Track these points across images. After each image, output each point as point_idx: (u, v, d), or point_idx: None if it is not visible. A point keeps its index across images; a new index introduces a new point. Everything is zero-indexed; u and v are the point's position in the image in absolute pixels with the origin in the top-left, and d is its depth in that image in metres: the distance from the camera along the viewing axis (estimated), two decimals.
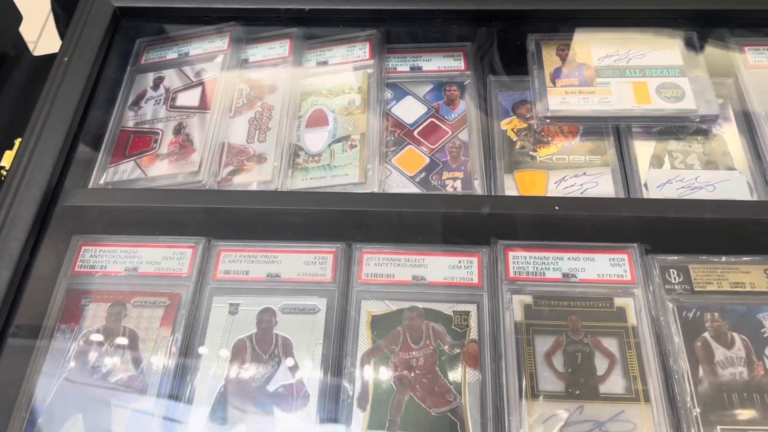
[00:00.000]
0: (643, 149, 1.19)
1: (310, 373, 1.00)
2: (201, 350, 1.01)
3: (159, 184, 1.16)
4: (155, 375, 1.00)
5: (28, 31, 1.54)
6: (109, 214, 1.12)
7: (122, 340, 1.03)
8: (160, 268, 1.10)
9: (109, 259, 1.12)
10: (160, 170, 1.18)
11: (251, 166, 1.18)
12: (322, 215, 1.12)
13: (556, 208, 1.06)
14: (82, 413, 0.97)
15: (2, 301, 1.00)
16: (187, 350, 1.02)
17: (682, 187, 1.14)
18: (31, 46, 1.53)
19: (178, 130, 1.23)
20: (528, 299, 1.05)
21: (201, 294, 1.07)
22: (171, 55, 1.38)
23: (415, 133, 1.24)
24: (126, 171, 1.20)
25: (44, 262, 1.09)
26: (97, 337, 1.03)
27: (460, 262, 1.09)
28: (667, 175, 1.16)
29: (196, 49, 1.37)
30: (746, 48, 1.31)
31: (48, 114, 1.13)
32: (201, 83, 1.30)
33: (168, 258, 1.11)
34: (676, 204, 1.09)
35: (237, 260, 1.11)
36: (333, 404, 0.97)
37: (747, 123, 1.22)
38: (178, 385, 0.98)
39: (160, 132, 1.24)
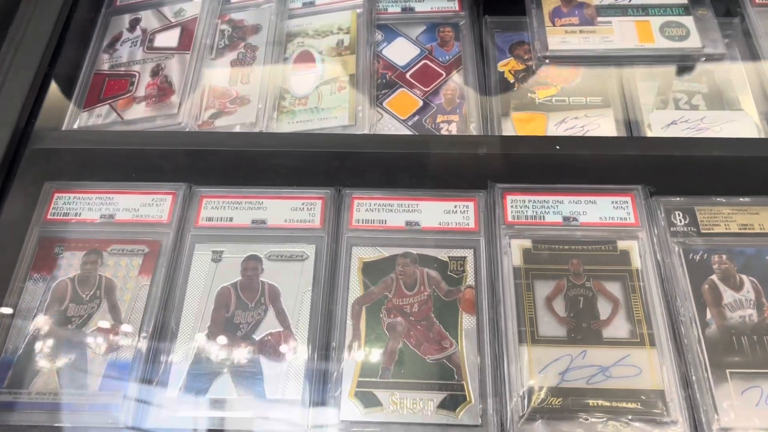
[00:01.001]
0: (646, 90, 1.13)
1: (299, 320, 0.95)
2: (182, 298, 0.96)
3: (136, 128, 1.10)
4: (134, 324, 0.95)
5: None
6: (83, 158, 1.06)
7: (98, 290, 0.98)
8: (138, 215, 1.04)
9: (84, 206, 1.05)
10: (137, 113, 1.11)
11: (234, 109, 1.11)
12: (309, 158, 1.06)
13: (557, 147, 1.00)
14: (56, 364, 0.92)
15: None
16: (168, 299, 0.96)
17: (688, 128, 1.09)
18: None
19: (156, 72, 1.15)
20: (527, 243, 1.00)
21: (182, 242, 1.01)
22: None
23: (408, 75, 1.18)
24: (101, 115, 1.12)
25: (13, 209, 1.02)
26: (72, 287, 0.98)
27: (455, 207, 1.04)
28: (671, 116, 1.11)
29: None
30: None
31: (16, 51, 1.06)
32: (180, 24, 1.22)
33: (147, 205, 1.05)
34: (681, 142, 1.04)
35: (220, 207, 1.05)
36: (323, 352, 0.92)
37: (754, 63, 1.17)
38: (158, 335, 0.94)
39: (137, 74, 1.16)
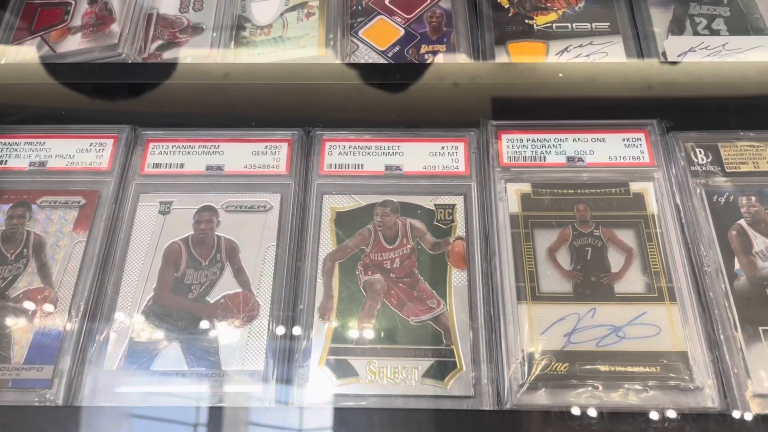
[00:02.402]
0: (660, 13, 1.00)
1: (261, 279, 0.82)
2: (124, 256, 0.82)
3: (71, 61, 0.96)
4: (67, 287, 0.81)
5: None
6: (10, 98, 0.92)
7: (26, 248, 0.85)
8: (73, 162, 0.90)
9: (11, 153, 0.90)
10: (72, 45, 0.96)
11: (185, 39, 0.97)
12: (273, 95, 0.92)
13: (560, 75, 0.87)
14: None
15: None
16: (107, 256, 0.83)
17: (708, 56, 0.96)
18: None
19: None
20: (526, 188, 0.87)
21: (124, 191, 0.88)
22: None
23: (387, 1, 1.04)
24: (31, 50, 0.99)
25: None
26: None
27: (443, 148, 0.90)
28: (689, 42, 0.97)
29: None
30: None
31: None
32: None
33: (84, 150, 0.90)
34: (701, 68, 0.91)
35: (169, 151, 0.91)
36: (289, 314, 0.79)
37: None
38: (95, 299, 0.80)
39: (73, 2, 1.02)
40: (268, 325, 0.78)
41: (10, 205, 0.86)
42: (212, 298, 0.81)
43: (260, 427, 0.69)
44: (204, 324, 0.78)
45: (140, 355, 0.77)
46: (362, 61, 0.96)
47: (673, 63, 0.93)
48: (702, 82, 0.89)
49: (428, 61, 0.96)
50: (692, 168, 0.85)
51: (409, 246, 0.84)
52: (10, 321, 0.78)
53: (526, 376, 0.73)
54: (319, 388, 0.74)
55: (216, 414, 0.71)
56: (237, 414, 0.70)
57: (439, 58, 0.96)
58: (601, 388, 0.72)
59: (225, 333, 0.78)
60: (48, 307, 0.79)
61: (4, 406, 0.73)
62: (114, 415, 0.70)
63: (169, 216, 0.87)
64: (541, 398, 0.72)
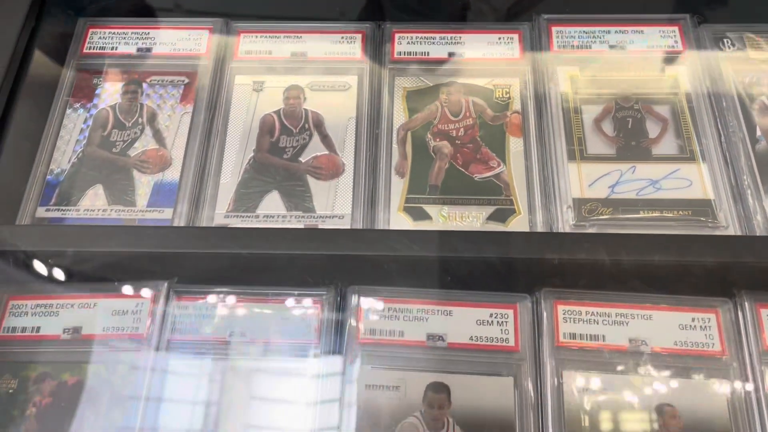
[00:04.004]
0: None
1: (344, 145, 0.95)
2: (226, 124, 0.94)
3: None
4: (179, 148, 0.94)
5: None
6: None
7: (140, 117, 0.97)
8: (175, 48, 1.02)
9: (120, 41, 1.03)
10: None
11: None
12: None
13: None
14: (102, 183, 0.91)
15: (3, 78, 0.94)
16: (211, 125, 0.95)
17: None
18: None
19: None
20: (574, 70, 0.98)
21: (222, 73, 1.00)
22: None
23: None
24: None
25: (48, 43, 1.01)
26: (113, 114, 0.96)
27: (499, 39, 1.02)
28: None
29: None
30: None
31: None
32: None
33: (184, 39, 1.03)
34: None
35: (258, 41, 1.03)
36: (370, 173, 0.92)
37: None
38: (204, 158, 0.93)
39: None
40: (353, 179, 0.92)
41: (124, 82, 1.00)
42: (304, 158, 0.94)
43: (348, 243, 0.82)
44: (299, 177, 0.92)
45: (246, 200, 0.90)
46: None
47: None
48: None
49: None
50: (721, 54, 0.97)
51: (471, 119, 0.96)
52: (133, 174, 0.92)
53: (575, 218, 0.86)
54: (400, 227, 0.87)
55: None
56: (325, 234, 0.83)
57: None
58: (640, 225, 0.85)
59: (317, 185, 0.91)
60: (164, 163, 0.93)
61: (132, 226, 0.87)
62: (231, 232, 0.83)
63: (262, 93, 0.99)
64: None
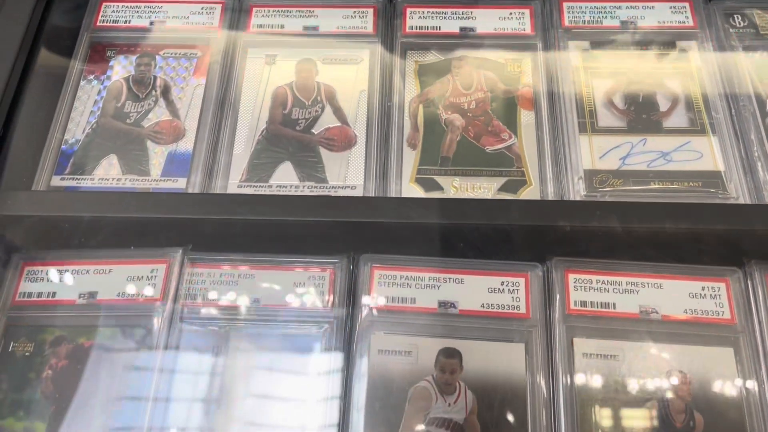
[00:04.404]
0: None
1: (356, 117, 0.95)
2: (239, 97, 0.95)
3: None
4: (192, 119, 0.95)
5: None
6: None
7: (154, 89, 0.98)
8: (188, 22, 1.02)
9: (132, 14, 1.04)
10: None
11: None
12: None
13: None
14: (116, 153, 0.92)
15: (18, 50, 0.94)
16: (224, 97, 0.96)
17: None
18: None
19: None
20: (585, 45, 0.99)
21: (234, 46, 1.01)
22: None
23: None
24: None
25: (60, 18, 1.02)
26: (127, 86, 0.97)
27: (511, 14, 1.02)
28: None
29: None
30: None
31: None
32: None
33: (196, 13, 1.03)
34: None
35: (270, 15, 1.04)
36: (382, 144, 0.93)
37: None
38: (217, 129, 0.94)
39: None
40: (365, 151, 0.92)
41: (138, 54, 1.01)
42: (316, 130, 0.94)
43: (361, 210, 0.83)
44: (311, 149, 0.93)
45: (260, 170, 0.91)
46: None
47: None
48: None
49: None
50: (731, 30, 0.97)
51: (482, 92, 0.96)
52: (146, 144, 0.93)
53: (586, 189, 0.87)
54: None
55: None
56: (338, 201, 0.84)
57: None
58: (651, 195, 0.86)
59: (329, 156, 0.92)
60: (178, 134, 0.93)
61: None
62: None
63: (274, 66, 0.99)
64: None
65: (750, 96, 0.91)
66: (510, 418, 0.74)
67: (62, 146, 0.93)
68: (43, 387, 0.76)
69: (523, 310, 0.80)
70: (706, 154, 0.88)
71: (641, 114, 0.92)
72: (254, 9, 1.03)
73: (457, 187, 0.89)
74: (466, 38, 1.00)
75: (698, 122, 0.91)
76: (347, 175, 0.91)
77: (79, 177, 0.90)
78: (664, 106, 0.93)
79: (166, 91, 0.97)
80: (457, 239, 0.80)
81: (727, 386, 0.75)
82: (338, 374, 0.77)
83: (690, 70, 0.95)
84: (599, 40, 0.98)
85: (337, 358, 0.78)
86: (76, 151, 0.92)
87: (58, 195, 0.83)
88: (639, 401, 0.74)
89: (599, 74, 0.95)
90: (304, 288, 0.82)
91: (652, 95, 0.94)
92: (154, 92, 0.97)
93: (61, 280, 0.82)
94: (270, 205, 0.80)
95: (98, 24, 1.02)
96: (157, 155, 0.92)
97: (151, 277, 0.81)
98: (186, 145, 0.93)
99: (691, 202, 0.82)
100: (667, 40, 0.98)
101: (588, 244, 0.81)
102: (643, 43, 0.97)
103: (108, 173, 0.91)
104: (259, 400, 0.77)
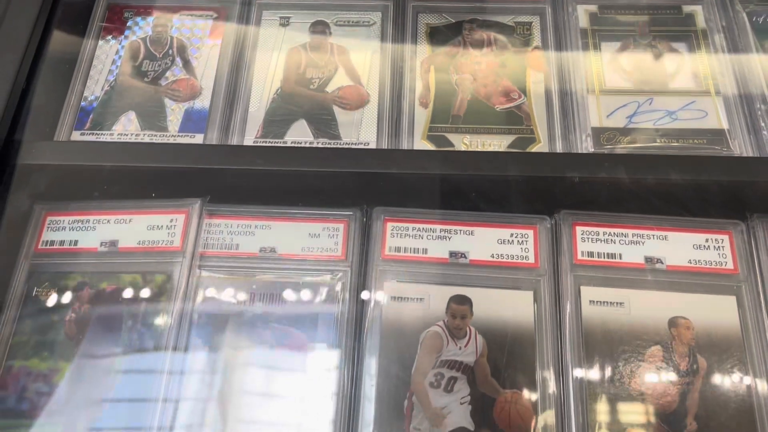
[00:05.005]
0: None
1: (369, 76, 0.97)
2: (254, 56, 0.97)
3: None
4: (208, 78, 0.96)
5: None
6: None
7: (171, 49, 1.00)
8: None
9: None
10: None
11: None
12: None
13: None
14: (135, 110, 0.94)
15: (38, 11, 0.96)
16: (240, 57, 0.98)
17: None
18: None
19: None
20: (593, 8, 1.00)
21: (249, 8, 1.03)
22: None
23: None
24: None
25: None
26: (144, 45, 0.99)
27: None
28: None
29: None
30: None
31: None
32: None
33: None
34: None
35: None
36: (395, 103, 0.95)
37: None
38: (233, 87, 0.96)
39: None
40: (378, 110, 0.94)
41: (155, 16, 1.03)
42: (330, 89, 0.97)
43: (375, 162, 0.85)
44: (325, 107, 0.95)
45: (275, 127, 0.93)
46: None
47: None
48: None
49: None
50: None
51: (492, 53, 0.98)
52: (164, 101, 0.95)
53: (594, 146, 0.89)
54: None
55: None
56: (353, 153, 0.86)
57: None
58: (657, 153, 0.88)
59: (342, 114, 0.94)
60: (194, 92, 0.95)
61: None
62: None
63: (288, 27, 1.01)
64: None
65: (754, 57, 0.94)
66: (518, 360, 0.77)
67: (82, 103, 0.95)
68: (67, 329, 0.79)
69: (531, 260, 0.82)
70: (711, 112, 0.91)
71: (648, 74, 0.94)
72: None
73: (467, 144, 0.91)
74: (476, 1, 1.03)
75: (703, 82, 0.93)
76: (360, 132, 0.93)
77: (98, 132, 0.92)
78: (670, 67, 0.95)
79: (182, 51, 0.99)
80: (468, 191, 0.82)
81: (729, 332, 0.78)
82: (353, 320, 0.80)
83: (696, 33, 0.97)
84: (607, 3, 1.00)
85: (351, 306, 0.81)
86: (96, 108, 0.94)
87: (80, 145, 0.85)
88: (644, 346, 0.77)
89: (607, 36, 0.98)
90: (319, 239, 0.85)
91: (659, 56, 0.96)
92: (170, 52, 0.99)
93: (82, 229, 0.85)
94: (286, 157, 0.82)
95: None
96: (175, 112, 0.94)
97: (171, 226, 0.84)
98: (202, 102, 0.95)
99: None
100: (673, 4, 1.00)
101: (595, 198, 0.83)
102: (650, 6, 1.00)
103: (126, 129, 0.93)
104: (277, 345, 0.80)
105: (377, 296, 0.80)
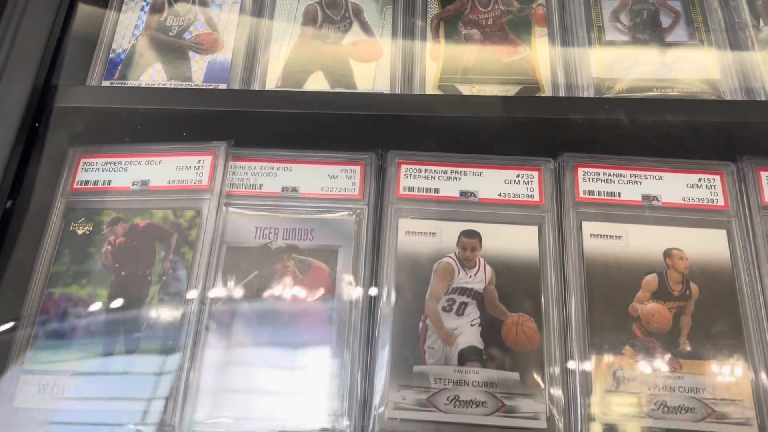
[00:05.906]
0: None
1: (383, 32, 1.02)
2: (272, 16, 1.02)
3: None
4: (229, 34, 1.02)
5: None
6: None
7: (194, 4, 1.04)
8: None
9: None
10: None
11: None
12: None
13: None
14: (161, 63, 1.00)
15: None
16: (260, 14, 1.03)
17: None
18: None
19: None
20: None
21: None
22: None
23: None
24: None
25: None
26: (168, 1, 1.03)
27: None
28: None
29: None
30: None
31: None
32: None
33: None
34: None
35: None
36: (408, 57, 0.99)
37: None
38: (253, 42, 1.01)
39: None
40: (390, 62, 0.99)
41: None
42: (345, 43, 1.02)
43: (389, 105, 0.91)
44: (341, 59, 1.00)
45: (293, 78, 0.98)
46: None
47: None
48: None
49: None
50: None
51: (499, 9, 1.04)
52: (188, 53, 1.00)
53: (594, 94, 0.94)
54: None
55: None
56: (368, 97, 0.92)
57: None
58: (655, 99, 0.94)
59: (358, 66, 0.99)
60: (217, 45, 1.00)
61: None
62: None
63: None
64: None
65: (745, 12, 0.99)
66: (525, 287, 0.83)
67: (110, 55, 1.00)
68: (103, 260, 0.84)
69: (536, 199, 0.88)
70: (704, 64, 0.96)
71: (645, 29, 1.00)
72: None
73: (476, 93, 0.97)
74: None
75: (697, 37, 0.99)
76: (374, 83, 0.98)
77: (126, 82, 0.98)
78: (666, 22, 1.01)
79: (204, 6, 1.04)
80: (478, 133, 0.88)
81: (720, 262, 0.84)
82: (370, 254, 0.86)
83: None
84: None
85: (369, 240, 0.86)
86: (123, 60, 1.00)
87: (112, 89, 0.91)
88: (641, 274, 0.83)
89: None
90: (338, 180, 0.90)
91: (656, 13, 1.01)
92: (194, 8, 1.04)
93: (115, 170, 0.90)
94: (305, 101, 0.87)
95: None
96: (199, 64, 1.00)
97: (199, 167, 0.89)
98: (225, 55, 1.00)
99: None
100: None
101: (596, 140, 0.89)
102: None
103: (153, 79, 0.98)
104: (299, 275, 0.86)
105: (392, 232, 0.86)
